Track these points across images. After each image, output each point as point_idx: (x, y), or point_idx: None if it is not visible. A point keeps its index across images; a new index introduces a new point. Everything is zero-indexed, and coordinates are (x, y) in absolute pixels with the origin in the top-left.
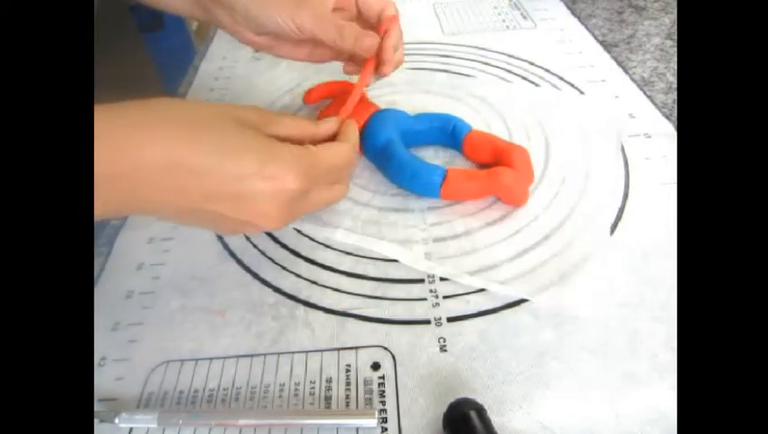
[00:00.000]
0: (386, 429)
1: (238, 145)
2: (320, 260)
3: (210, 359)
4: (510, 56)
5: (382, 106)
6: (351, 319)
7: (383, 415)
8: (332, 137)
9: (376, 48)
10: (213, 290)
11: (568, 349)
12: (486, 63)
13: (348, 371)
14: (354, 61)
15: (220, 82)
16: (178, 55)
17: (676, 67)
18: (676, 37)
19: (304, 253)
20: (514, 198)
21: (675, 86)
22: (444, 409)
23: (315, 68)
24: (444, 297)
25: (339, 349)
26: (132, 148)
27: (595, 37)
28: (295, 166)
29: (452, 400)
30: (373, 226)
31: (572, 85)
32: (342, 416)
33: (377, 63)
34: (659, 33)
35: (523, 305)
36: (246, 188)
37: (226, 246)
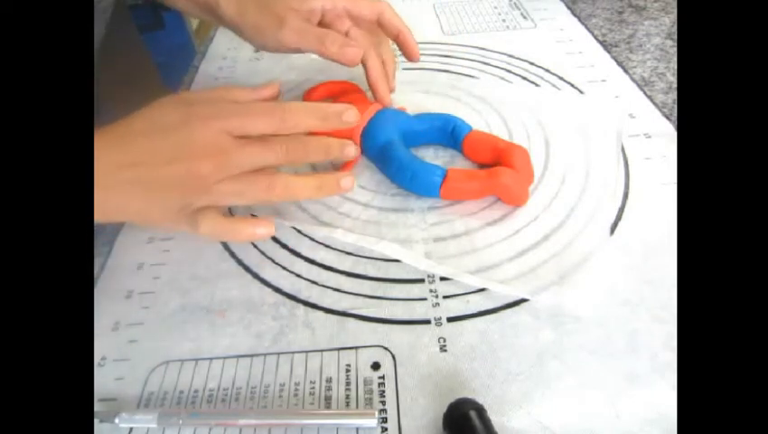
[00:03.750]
0: (386, 429)
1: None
2: (320, 260)
3: (210, 359)
4: (510, 56)
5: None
6: (351, 319)
7: (383, 415)
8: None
9: (359, 58)
10: (213, 290)
11: (568, 349)
12: (486, 63)
13: (348, 371)
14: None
15: (219, 82)
16: (178, 55)
17: (676, 67)
18: (676, 37)
19: (304, 253)
20: (514, 198)
21: (675, 86)
22: (444, 409)
23: (316, 68)
24: (444, 297)
25: (339, 349)
26: None
27: (595, 37)
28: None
29: (452, 400)
30: (373, 226)
31: (572, 85)
32: (342, 416)
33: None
34: (659, 33)
35: (523, 305)
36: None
37: (226, 246)
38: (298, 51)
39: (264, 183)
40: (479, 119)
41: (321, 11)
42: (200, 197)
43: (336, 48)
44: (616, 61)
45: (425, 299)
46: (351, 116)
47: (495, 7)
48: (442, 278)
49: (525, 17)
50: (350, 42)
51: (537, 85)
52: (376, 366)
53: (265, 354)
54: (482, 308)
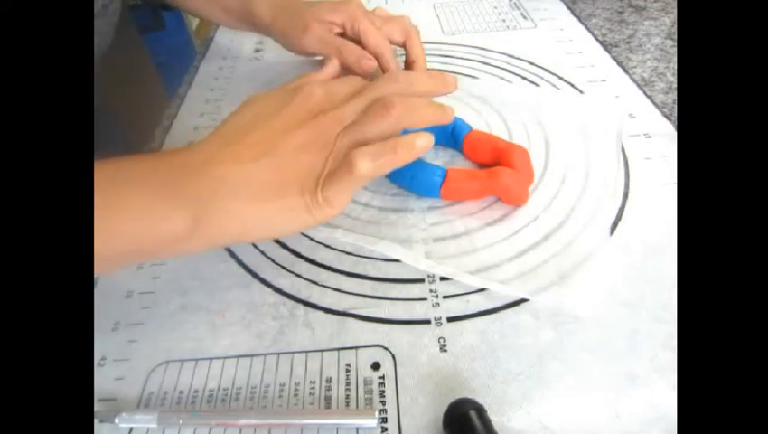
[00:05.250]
0: (386, 429)
1: None
2: (320, 260)
3: (210, 359)
4: (510, 56)
5: None
6: (351, 319)
7: (383, 415)
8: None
9: (374, 69)
10: (213, 290)
11: (568, 349)
12: (486, 63)
13: (348, 371)
14: None
15: (219, 82)
16: (178, 55)
17: (676, 67)
18: (676, 37)
19: (304, 253)
20: (514, 198)
21: (675, 86)
22: (444, 409)
23: (316, 67)
24: (444, 297)
25: (339, 349)
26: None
27: (595, 37)
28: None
29: (452, 400)
30: (373, 226)
31: (572, 85)
32: (342, 416)
33: None
34: (659, 33)
35: (523, 305)
36: None
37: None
38: (316, 55)
39: (379, 105)
40: (479, 119)
41: (341, 25)
42: (327, 155)
43: (354, 58)
44: (616, 61)
45: (425, 299)
46: (423, 141)
47: (495, 7)
48: (442, 278)
49: (525, 17)
50: (365, 55)
51: (537, 85)
52: (376, 366)
53: (265, 354)
54: (482, 308)
